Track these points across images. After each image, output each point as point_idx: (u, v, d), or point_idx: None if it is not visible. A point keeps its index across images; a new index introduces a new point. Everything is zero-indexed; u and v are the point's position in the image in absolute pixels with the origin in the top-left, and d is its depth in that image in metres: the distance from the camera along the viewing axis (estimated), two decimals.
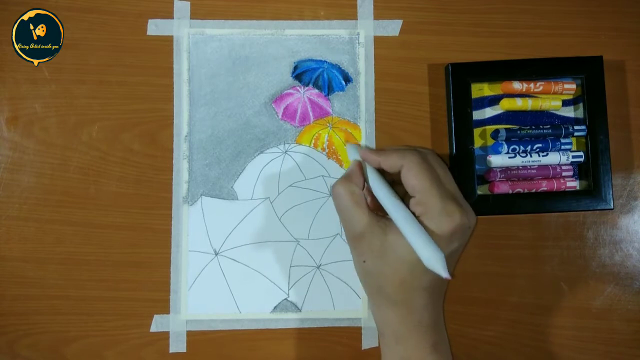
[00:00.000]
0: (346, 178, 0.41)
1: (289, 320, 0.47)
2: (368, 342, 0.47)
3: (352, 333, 0.47)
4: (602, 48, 0.48)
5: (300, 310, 0.47)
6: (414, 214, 0.39)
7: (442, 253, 0.36)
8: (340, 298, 0.47)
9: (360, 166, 0.42)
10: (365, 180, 0.42)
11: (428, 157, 0.40)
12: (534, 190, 0.45)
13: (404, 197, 0.41)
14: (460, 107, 0.46)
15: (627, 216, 0.48)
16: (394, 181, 0.42)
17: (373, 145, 0.48)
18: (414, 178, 0.39)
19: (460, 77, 0.46)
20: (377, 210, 0.42)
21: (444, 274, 0.36)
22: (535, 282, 0.47)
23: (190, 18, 0.48)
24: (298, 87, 0.48)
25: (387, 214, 0.40)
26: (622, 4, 0.49)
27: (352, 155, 0.44)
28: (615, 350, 0.47)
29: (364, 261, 0.40)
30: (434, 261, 0.36)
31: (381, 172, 0.42)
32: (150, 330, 0.47)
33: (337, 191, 0.41)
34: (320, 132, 0.48)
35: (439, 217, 0.38)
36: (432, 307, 0.40)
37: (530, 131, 0.46)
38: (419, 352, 0.39)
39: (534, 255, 0.47)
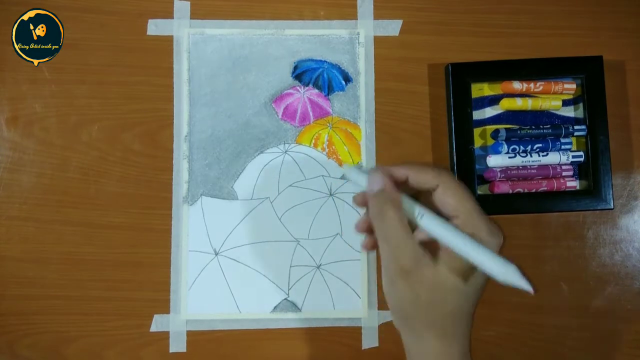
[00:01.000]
0: (394, 202, 0.37)
1: (289, 320, 0.47)
2: (368, 342, 0.47)
3: (352, 333, 0.47)
4: (602, 48, 0.48)
5: (300, 310, 0.47)
6: None
7: (514, 265, 0.34)
8: (340, 298, 0.47)
9: (392, 183, 0.38)
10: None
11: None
12: (534, 190, 0.45)
13: None
14: (460, 107, 0.46)
15: (627, 216, 0.48)
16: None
17: (373, 145, 0.48)
18: (453, 198, 0.36)
19: (460, 77, 0.46)
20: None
21: (528, 286, 0.33)
22: (535, 282, 0.46)
23: (190, 18, 0.48)
24: (298, 87, 0.48)
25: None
26: (622, 4, 0.49)
27: (354, 177, 0.38)
28: (616, 350, 0.47)
29: (417, 295, 0.37)
30: (511, 275, 0.34)
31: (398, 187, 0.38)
32: (150, 330, 0.46)
33: (389, 216, 0.36)
34: (320, 132, 0.48)
35: (487, 238, 0.36)
36: (469, 333, 0.39)
37: (530, 131, 0.45)
38: None
39: (534, 255, 0.47)
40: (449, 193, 0.37)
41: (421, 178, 0.38)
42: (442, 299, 0.37)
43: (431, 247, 0.36)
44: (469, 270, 0.36)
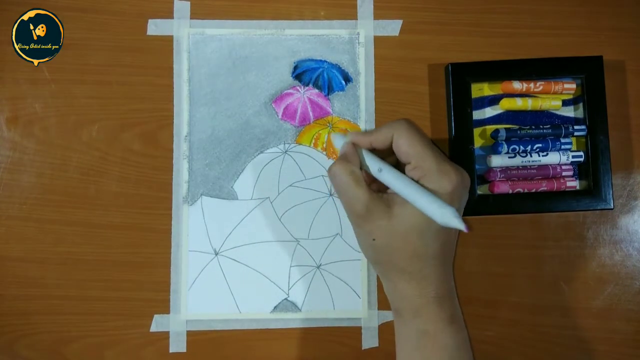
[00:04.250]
0: (342, 158, 0.41)
1: (289, 320, 0.46)
2: (368, 342, 0.46)
3: (352, 333, 0.46)
4: (602, 48, 0.47)
5: (300, 310, 0.46)
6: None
7: (453, 207, 0.36)
8: (340, 298, 0.46)
9: (354, 147, 0.42)
10: (361, 161, 0.41)
11: (413, 123, 0.41)
12: (534, 190, 0.45)
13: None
14: (460, 107, 0.45)
15: (627, 216, 0.47)
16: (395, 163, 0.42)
17: None
18: (405, 144, 0.39)
19: (460, 77, 0.45)
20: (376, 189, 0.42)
21: (461, 225, 0.35)
22: (535, 282, 0.47)
23: (190, 18, 0.48)
24: (298, 87, 0.47)
25: (384, 190, 0.40)
26: (622, 4, 0.48)
27: (338, 144, 0.43)
28: (615, 350, 0.47)
29: (374, 239, 0.39)
30: (448, 216, 0.36)
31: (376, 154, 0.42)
32: (150, 330, 0.46)
33: (335, 172, 0.40)
34: (320, 132, 0.47)
35: (437, 178, 0.37)
36: (445, 276, 0.40)
37: (530, 131, 0.45)
38: (436, 324, 0.39)
39: (534, 255, 0.47)
40: (401, 141, 0.39)
41: (380, 137, 0.40)
42: (401, 241, 0.39)
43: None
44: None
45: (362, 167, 0.41)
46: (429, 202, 0.36)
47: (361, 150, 0.41)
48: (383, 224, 0.38)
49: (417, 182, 0.38)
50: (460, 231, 0.44)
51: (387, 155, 0.42)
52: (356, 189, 0.39)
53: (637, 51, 0.48)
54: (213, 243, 0.47)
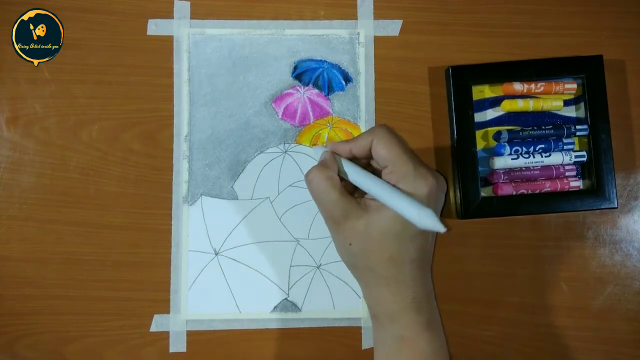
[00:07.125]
0: (320, 165, 0.39)
1: (289, 320, 0.44)
2: (368, 342, 0.44)
3: (352, 333, 0.44)
4: (602, 48, 0.45)
5: (300, 310, 0.43)
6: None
7: (431, 209, 0.33)
8: (340, 298, 0.44)
9: (333, 155, 0.39)
10: (339, 169, 0.39)
11: (392, 129, 0.39)
12: (537, 191, 0.42)
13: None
14: (462, 109, 0.42)
15: (627, 216, 0.44)
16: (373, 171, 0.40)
17: None
18: (383, 148, 0.37)
19: (461, 79, 0.42)
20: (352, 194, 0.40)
21: (439, 226, 0.33)
22: (535, 282, 0.44)
23: (190, 18, 0.45)
24: (298, 87, 0.44)
25: (361, 196, 0.38)
26: (622, 4, 0.45)
27: (318, 155, 0.41)
28: (615, 350, 0.44)
29: (350, 244, 0.37)
30: (426, 218, 0.33)
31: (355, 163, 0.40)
32: (150, 330, 0.43)
33: (312, 178, 0.38)
34: (320, 131, 0.44)
35: (414, 181, 0.36)
36: (422, 280, 0.38)
37: (532, 132, 0.42)
38: (413, 330, 0.37)
39: (534, 255, 0.44)
40: (380, 145, 0.37)
41: (360, 142, 0.38)
42: (377, 246, 0.37)
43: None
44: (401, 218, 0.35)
45: (341, 175, 0.39)
46: (407, 205, 0.34)
47: (340, 158, 0.39)
48: (359, 229, 0.37)
49: (394, 185, 0.36)
50: (437, 234, 0.42)
51: (366, 163, 0.40)
52: (333, 194, 0.37)
53: (637, 51, 0.45)
54: (213, 243, 0.44)
